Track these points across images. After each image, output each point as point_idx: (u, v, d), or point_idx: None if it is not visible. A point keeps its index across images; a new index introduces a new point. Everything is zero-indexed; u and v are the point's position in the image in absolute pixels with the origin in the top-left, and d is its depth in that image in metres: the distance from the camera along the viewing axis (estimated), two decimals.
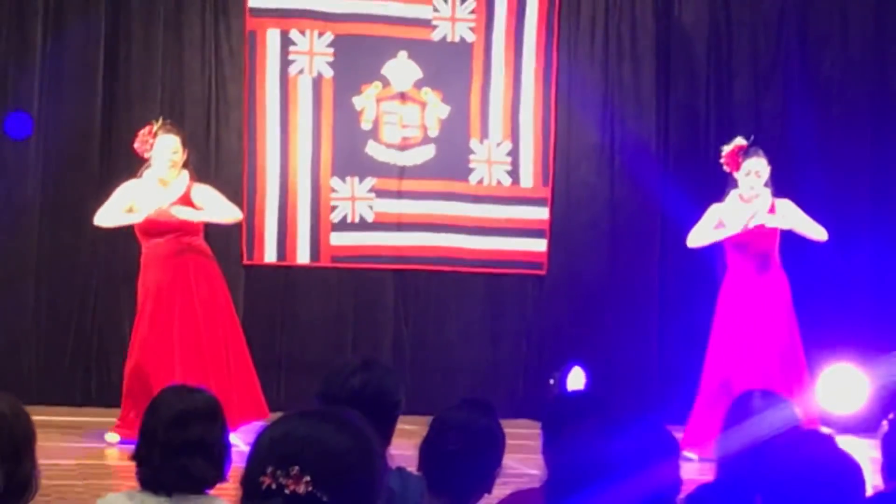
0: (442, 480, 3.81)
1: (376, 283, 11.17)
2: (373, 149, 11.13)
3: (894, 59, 11.64)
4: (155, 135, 8.99)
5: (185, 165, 9.07)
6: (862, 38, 11.62)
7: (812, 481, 3.19)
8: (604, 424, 3.86)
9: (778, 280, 9.36)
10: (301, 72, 11.04)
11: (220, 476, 3.76)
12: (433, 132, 11.21)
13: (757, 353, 9.21)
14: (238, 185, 10.75)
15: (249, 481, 2.34)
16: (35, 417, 3.18)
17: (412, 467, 3.91)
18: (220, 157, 10.92)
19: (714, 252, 9.57)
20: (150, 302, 8.94)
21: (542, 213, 11.31)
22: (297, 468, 2.29)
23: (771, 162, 9.41)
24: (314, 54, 11.06)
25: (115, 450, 8.73)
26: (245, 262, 10.90)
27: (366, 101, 11.12)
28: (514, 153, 11.28)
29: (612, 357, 11.00)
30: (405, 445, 4.02)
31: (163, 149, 8.96)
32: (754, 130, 10.09)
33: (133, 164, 9.21)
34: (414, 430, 4.03)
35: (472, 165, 11.24)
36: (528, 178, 11.30)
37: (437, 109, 11.21)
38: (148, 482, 3.75)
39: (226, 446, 3.79)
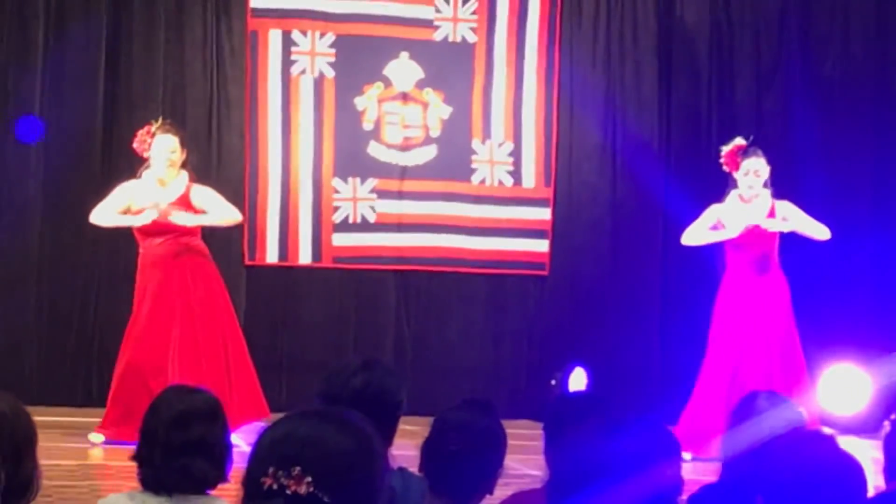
0: (443, 481, 3.80)
1: (378, 284, 11.18)
2: (374, 149, 11.13)
3: (895, 58, 11.64)
4: (153, 135, 8.99)
5: (184, 166, 9.07)
6: (863, 38, 11.62)
7: (813, 482, 3.19)
8: (605, 425, 3.86)
9: (777, 281, 9.35)
10: (303, 72, 11.04)
11: (222, 476, 3.75)
12: (435, 133, 11.21)
13: (755, 354, 9.20)
14: (239, 186, 10.76)
15: (251, 482, 2.34)
16: (36, 418, 3.18)
17: (414, 468, 3.91)
18: (221, 157, 10.92)
19: (716, 252, 9.57)
20: (148, 302, 8.94)
21: (543, 214, 11.30)
22: (298, 469, 2.29)
23: (772, 162, 9.41)
24: (316, 54, 11.06)
25: (100, 449, 8.72)
26: (247, 262, 10.90)
27: (367, 101, 11.12)
28: (515, 153, 11.28)
29: (613, 357, 11.00)
30: (407, 446, 4.02)
31: (161, 148, 8.96)
32: (755, 130, 10.10)
33: (134, 165, 9.22)
34: (415, 431, 4.03)
35: (473, 166, 11.24)
36: (529, 179, 11.30)
37: (438, 110, 11.21)
38: (149, 483, 3.75)
39: (227, 446, 3.78)
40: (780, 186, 9.49)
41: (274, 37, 11.00)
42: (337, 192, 11.05)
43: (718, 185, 9.57)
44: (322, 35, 11.07)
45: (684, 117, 11.50)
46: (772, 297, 9.30)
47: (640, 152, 11.32)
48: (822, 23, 11.62)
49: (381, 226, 11.13)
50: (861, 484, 3.26)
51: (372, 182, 11.11)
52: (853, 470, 3.26)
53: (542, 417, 4.31)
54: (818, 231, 9.41)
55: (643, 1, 11.48)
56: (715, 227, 9.35)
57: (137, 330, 8.94)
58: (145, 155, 9.02)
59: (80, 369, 10.62)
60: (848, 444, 3.59)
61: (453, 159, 11.20)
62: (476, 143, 11.24)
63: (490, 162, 11.24)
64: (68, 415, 9.79)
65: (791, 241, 9.46)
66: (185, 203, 8.97)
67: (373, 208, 11.12)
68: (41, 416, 3.62)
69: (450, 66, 11.22)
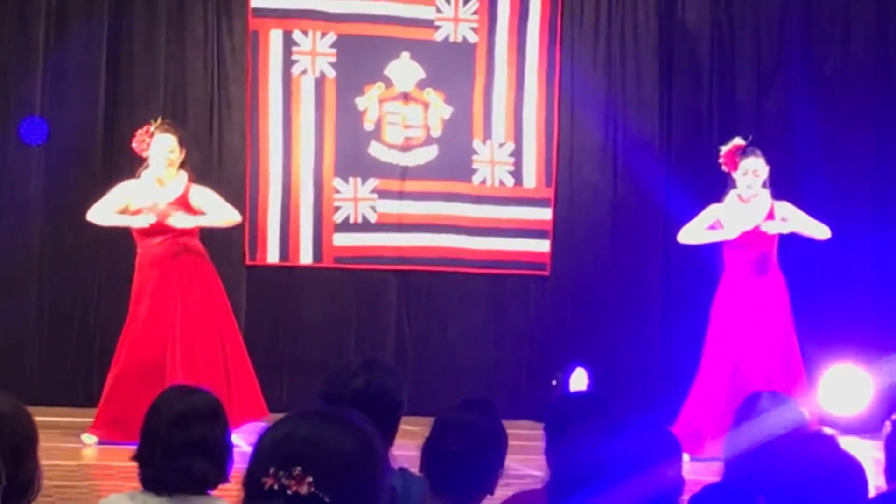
0: (444, 481, 3.80)
1: (379, 284, 11.18)
2: (375, 149, 11.13)
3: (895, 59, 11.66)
4: (152, 134, 8.98)
5: (183, 165, 9.06)
6: (864, 38, 11.62)
7: (815, 482, 3.19)
8: (606, 425, 3.86)
9: (775, 282, 9.34)
10: (304, 72, 11.04)
11: (223, 476, 3.75)
12: (436, 133, 11.21)
13: (753, 354, 9.19)
14: (240, 186, 10.76)
15: (252, 482, 2.34)
16: (37, 418, 3.17)
17: (414, 468, 3.91)
18: (222, 157, 10.93)
19: (717, 252, 9.56)
20: (146, 302, 8.93)
21: (544, 214, 11.30)
22: (299, 469, 2.29)
23: (772, 162, 9.40)
24: (317, 54, 11.06)
25: (95, 449, 8.72)
26: (248, 262, 10.90)
27: (368, 101, 11.12)
28: (516, 154, 11.28)
29: (614, 358, 11.00)
30: (407, 446, 4.02)
31: (159, 148, 8.95)
32: (756, 130, 10.10)
33: (135, 165, 9.22)
34: (416, 431, 4.03)
35: (474, 166, 11.24)
36: (530, 179, 11.30)
37: (439, 110, 11.21)
38: (150, 483, 3.75)
39: (228, 447, 3.78)
40: (781, 186, 9.48)
41: (275, 37, 11.00)
42: (338, 192, 11.05)
43: (719, 186, 9.57)
44: (323, 35, 11.07)
45: (685, 117, 11.50)
46: (770, 297, 9.29)
47: (640, 152, 11.32)
48: (823, 23, 11.62)
49: (382, 226, 11.13)
50: (862, 484, 3.27)
51: (373, 182, 11.11)
52: (854, 470, 3.26)
53: (543, 417, 4.31)
54: (818, 230, 9.39)
55: (644, 1, 11.48)
56: (713, 227, 9.34)
57: (135, 330, 8.93)
58: (144, 155, 9.02)
59: (81, 369, 10.62)
60: (849, 444, 3.58)
61: (454, 159, 11.20)
62: (477, 144, 11.24)
63: (491, 162, 11.24)
64: (69, 415, 9.77)
65: (791, 241, 9.45)
66: (183, 203, 8.96)
67: (374, 208, 11.12)
68: (42, 417, 3.62)
69: (451, 67, 11.22)
